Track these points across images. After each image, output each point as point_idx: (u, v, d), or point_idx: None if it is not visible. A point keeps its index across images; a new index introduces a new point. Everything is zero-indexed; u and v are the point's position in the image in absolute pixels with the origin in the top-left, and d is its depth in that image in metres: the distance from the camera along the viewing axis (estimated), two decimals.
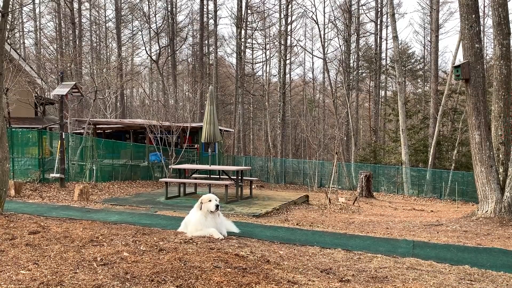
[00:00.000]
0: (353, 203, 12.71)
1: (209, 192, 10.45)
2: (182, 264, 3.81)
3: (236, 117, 32.04)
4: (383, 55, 37.44)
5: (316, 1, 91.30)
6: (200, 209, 5.45)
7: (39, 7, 34.89)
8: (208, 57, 35.74)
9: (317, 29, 35.24)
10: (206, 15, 34.66)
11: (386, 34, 36.40)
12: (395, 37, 18.20)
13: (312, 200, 12.60)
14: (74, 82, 13.00)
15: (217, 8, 32.71)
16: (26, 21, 35.19)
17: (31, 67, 19.57)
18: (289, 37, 33.24)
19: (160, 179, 14.22)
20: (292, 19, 34.38)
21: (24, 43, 35.06)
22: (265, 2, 41.10)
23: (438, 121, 22.23)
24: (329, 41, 38.00)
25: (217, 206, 5.43)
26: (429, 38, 34.31)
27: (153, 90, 43.64)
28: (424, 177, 21.64)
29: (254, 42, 37.25)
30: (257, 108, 39.75)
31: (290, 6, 32.40)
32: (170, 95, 29.16)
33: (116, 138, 20.15)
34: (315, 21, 30.23)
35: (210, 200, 5.44)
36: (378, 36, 35.00)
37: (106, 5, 60.24)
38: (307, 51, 39.28)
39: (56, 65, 22.79)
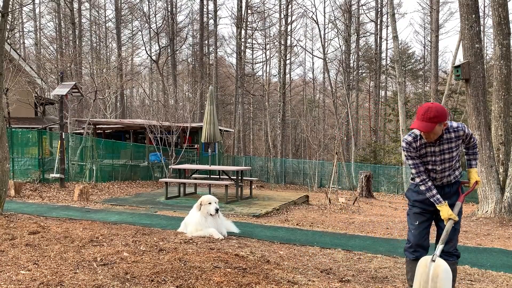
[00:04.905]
0: (353, 203, 12.70)
1: (209, 193, 10.46)
2: (182, 264, 3.81)
3: (236, 117, 32.02)
4: (383, 55, 37.45)
5: (316, 1, 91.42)
6: (199, 210, 5.46)
7: (39, 7, 34.93)
8: (208, 57, 35.72)
9: (317, 29, 35.28)
10: (206, 15, 34.65)
11: (386, 34, 36.39)
12: (395, 37, 18.16)
13: (312, 200, 12.59)
14: (74, 82, 13.00)
15: (217, 8, 32.72)
16: (26, 21, 35.19)
17: (31, 67, 19.57)
18: (289, 37, 33.22)
19: (160, 179, 14.21)
20: (292, 19, 34.37)
21: (24, 43, 35.07)
22: (265, 2, 41.07)
23: None
24: (329, 41, 37.97)
25: (217, 209, 5.43)
26: (429, 38, 34.29)
27: (153, 90, 43.60)
28: None
29: (254, 42, 37.23)
30: (257, 108, 39.73)
31: (290, 6, 32.39)
32: (170, 95, 29.13)
33: (116, 138, 20.13)
34: (315, 21, 30.13)
35: (210, 203, 5.44)
36: (378, 36, 34.98)
37: (106, 5, 60.49)
38: (307, 51, 39.27)
39: (56, 65, 22.76)
